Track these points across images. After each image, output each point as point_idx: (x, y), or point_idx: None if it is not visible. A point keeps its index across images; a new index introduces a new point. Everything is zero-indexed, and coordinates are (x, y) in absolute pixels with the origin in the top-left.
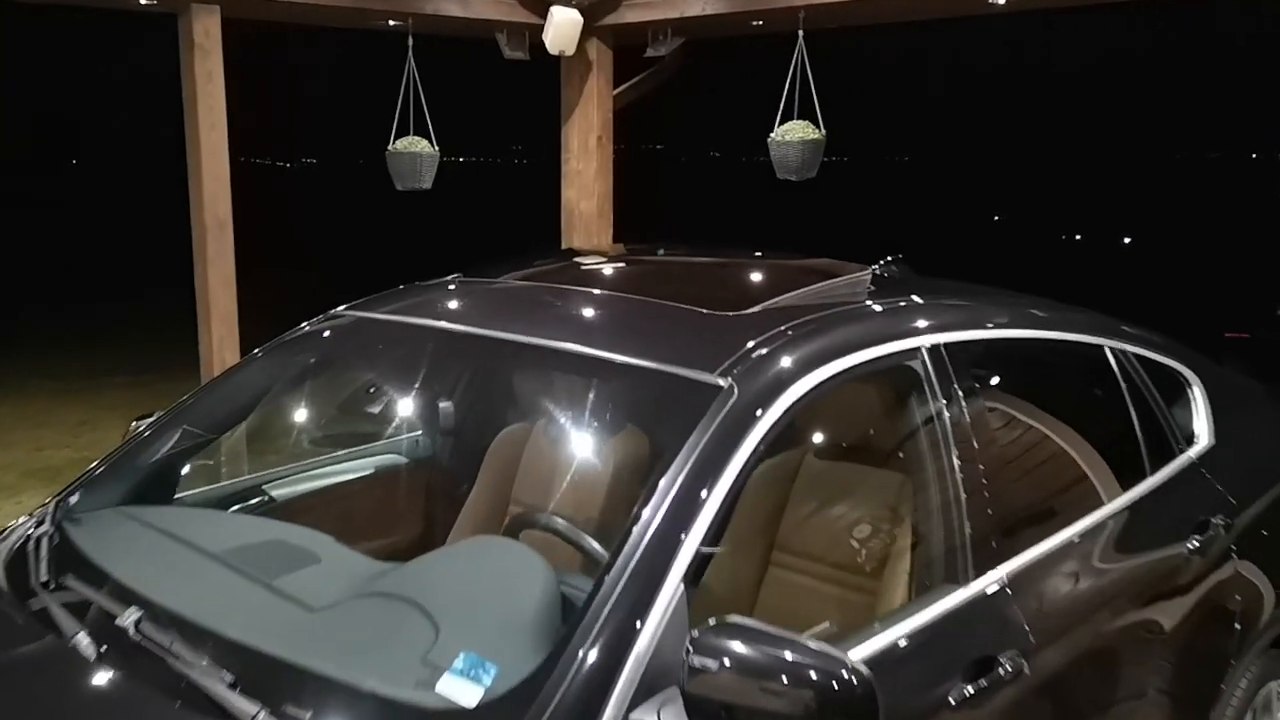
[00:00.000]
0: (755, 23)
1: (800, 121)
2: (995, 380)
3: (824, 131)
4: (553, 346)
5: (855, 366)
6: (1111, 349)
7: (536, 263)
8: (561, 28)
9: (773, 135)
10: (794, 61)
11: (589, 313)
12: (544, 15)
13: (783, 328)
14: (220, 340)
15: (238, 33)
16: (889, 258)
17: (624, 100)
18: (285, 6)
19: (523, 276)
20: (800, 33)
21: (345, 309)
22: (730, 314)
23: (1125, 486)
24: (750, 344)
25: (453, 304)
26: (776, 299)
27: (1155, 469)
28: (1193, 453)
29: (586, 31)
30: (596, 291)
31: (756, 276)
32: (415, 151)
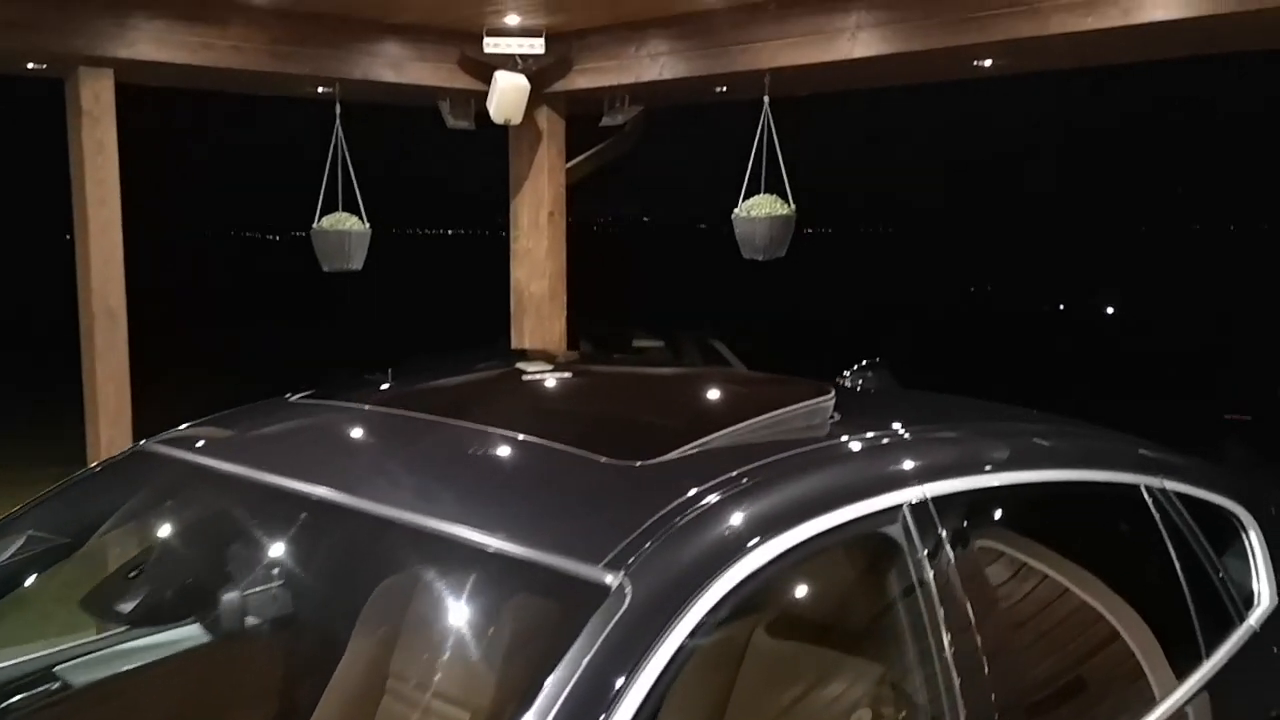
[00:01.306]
0: (719, 89)
1: (768, 195)
2: (1000, 540)
3: (794, 206)
4: (379, 514)
5: (811, 541)
6: (1149, 488)
7: (407, 374)
8: (506, 95)
9: (737, 211)
10: (760, 129)
11: (440, 459)
12: (488, 81)
13: (709, 485)
14: (110, 445)
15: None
16: (865, 362)
17: (580, 173)
18: (191, 71)
19: (378, 398)
20: (766, 99)
21: (150, 442)
22: (639, 463)
23: (1179, 672)
24: (659, 515)
25: (269, 441)
26: (707, 438)
27: (1212, 647)
28: (1254, 620)
29: (535, 99)
30: (462, 425)
31: (686, 402)
32: (343, 229)
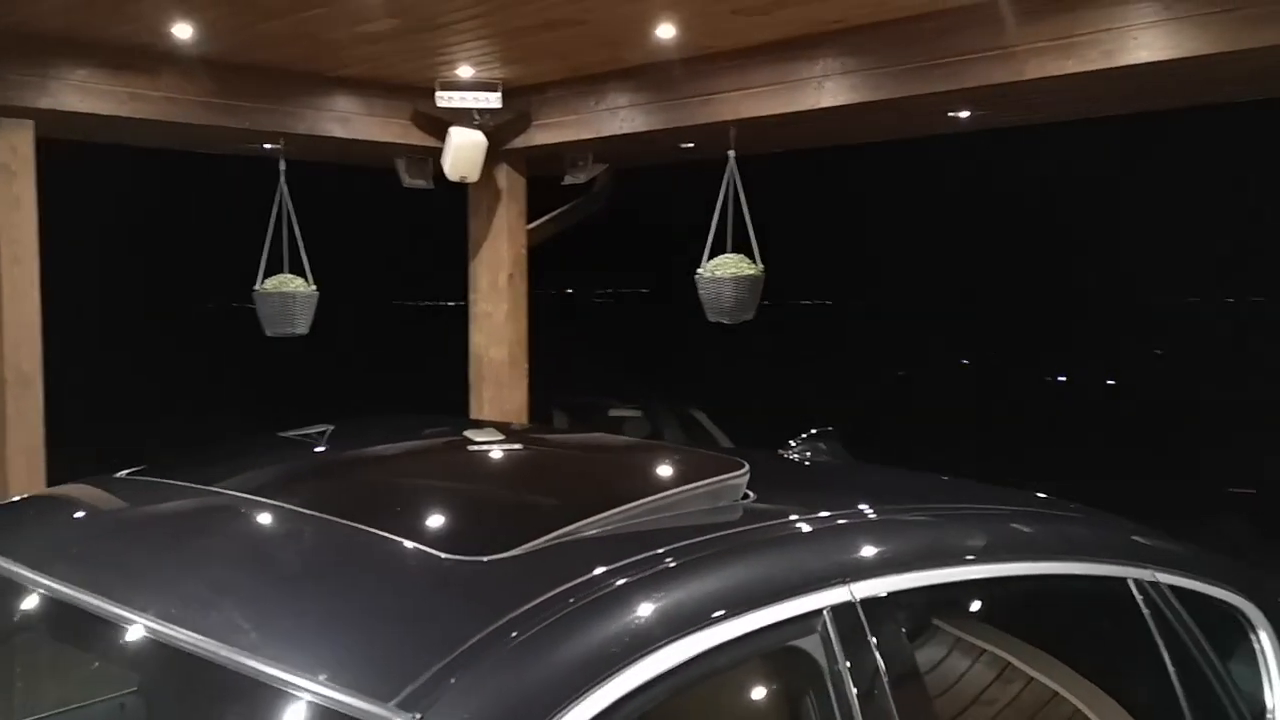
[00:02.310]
0: (684, 144)
1: (733, 255)
2: (952, 653)
3: (762, 266)
4: (121, 621)
5: (690, 665)
6: (1138, 582)
7: (269, 442)
8: (462, 151)
9: (701, 270)
10: (725, 184)
11: (232, 553)
12: (444, 137)
13: (563, 590)
14: None
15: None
16: (814, 431)
17: (543, 235)
18: (119, 124)
19: (202, 473)
20: (731, 153)
21: None
22: (485, 559)
23: None
24: (486, 632)
25: (45, 528)
26: (578, 524)
27: None
28: None
29: (494, 156)
30: (281, 506)
31: (568, 478)
32: (287, 291)
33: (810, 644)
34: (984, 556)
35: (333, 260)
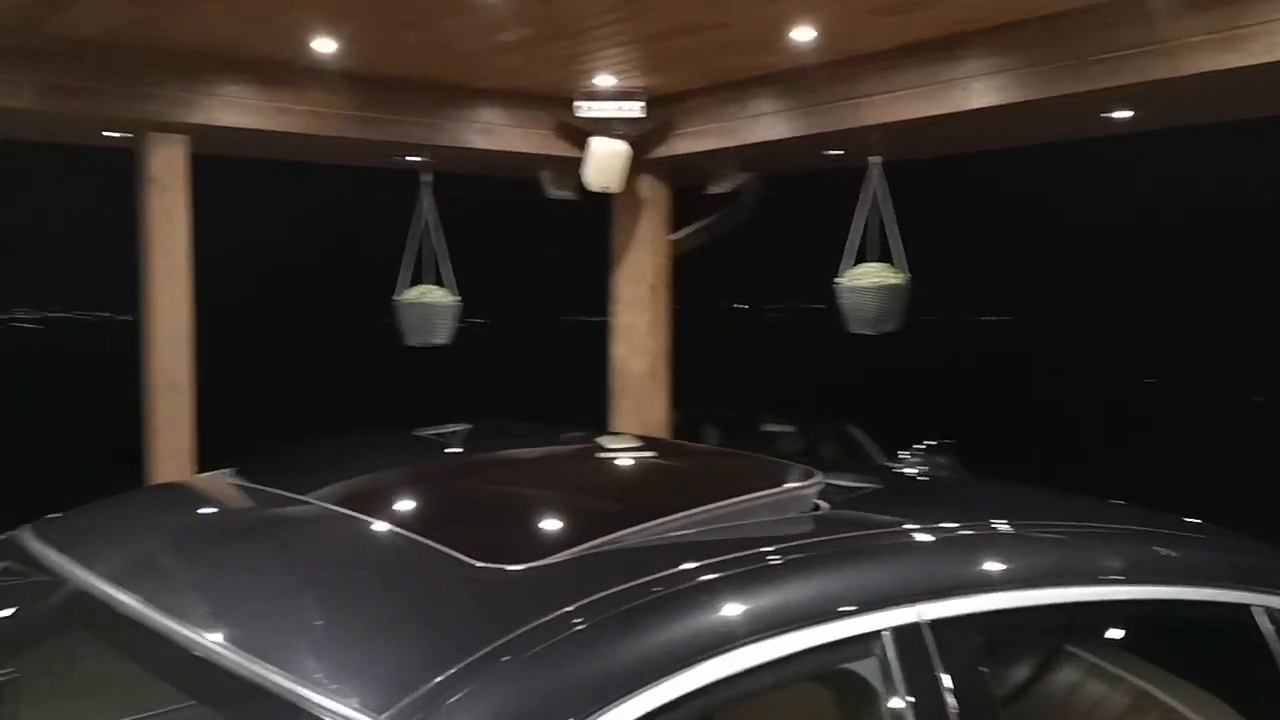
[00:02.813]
0: (829, 151)
1: (877, 264)
2: (1035, 685)
3: (908, 275)
4: (152, 625)
5: (721, 686)
6: (1267, 609)
7: (359, 444)
8: (603, 161)
9: (841, 280)
10: (867, 190)
11: (268, 553)
12: (584, 148)
13: (592, 600)
14: None
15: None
16: (929, 442)
17: (688, 245)
18: (267, 137)
19: (271, 474)
20: (873, 158)
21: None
22: (516, 567)
23: None
24: (500, 642)
25: (118, 530)
26: (621, 533)
27: None
28: None
29: (637, 166)
30: (330, 509)
31: (623, 485)
32: (428, 302)
33: (865, 668)
34: (1082, 578)
35: (476, 272)
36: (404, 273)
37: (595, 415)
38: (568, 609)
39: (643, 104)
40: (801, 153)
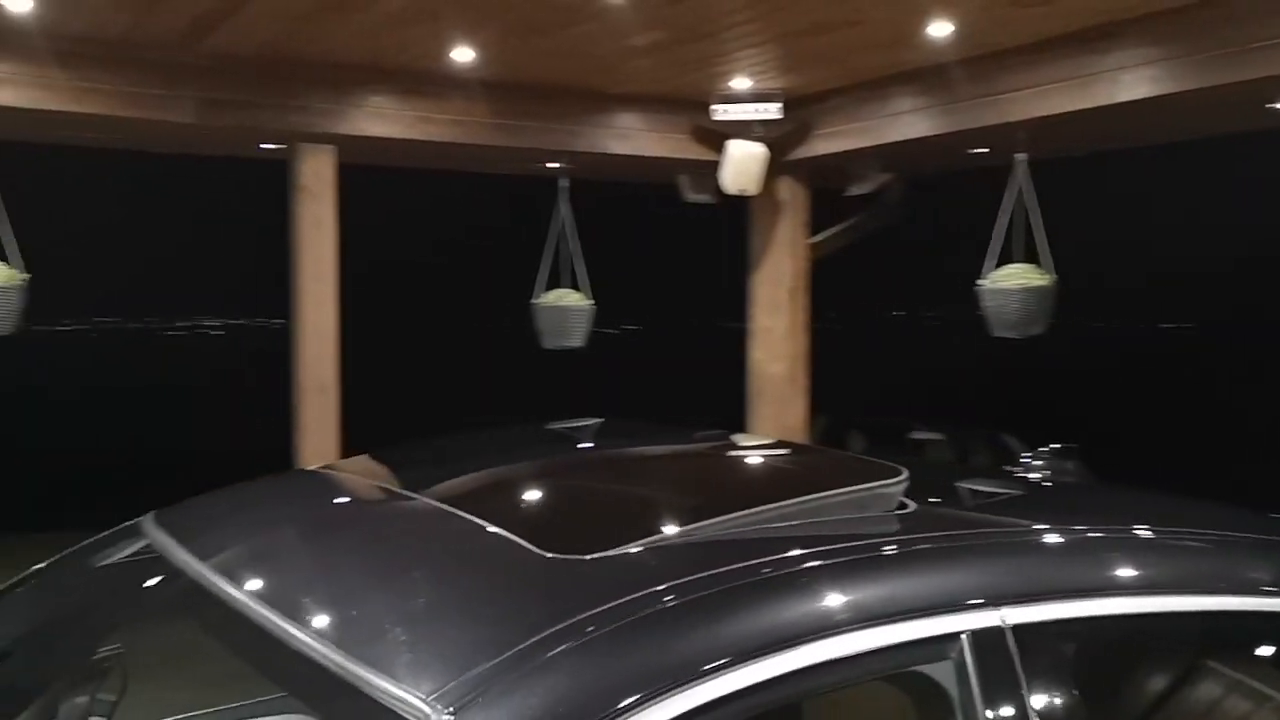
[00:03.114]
0: (974, 149)
1: (1022, 265)
2: (1131, 695)
3: (1054, 276)
4: (242, 608)
5: (780, 683)
6: None
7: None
8: (739, 164)
9: (983, 281)
10: (1012, 189)
11: (354, 540)
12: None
13: (654, 590)
14: None
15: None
16: (1052, 446)
17: (830, 248)
18: (410, 146)
19: (377, 468)
20: (1019, 155)
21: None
22: (586, 557)
23: None
24: (556, 629)
25: (227, 520)
26: (694, 525)
27: None
28: None
29: (777, 168)
30: (417, 500)
31: (702, 481)
32: (564, 305)
33: (939, 672)
34: (1182, 586)
35: (612, 275)
36: (541, 276)
37: (734, 420)
38: (626, 599)
39: (779, 105)
40: (944, 152)
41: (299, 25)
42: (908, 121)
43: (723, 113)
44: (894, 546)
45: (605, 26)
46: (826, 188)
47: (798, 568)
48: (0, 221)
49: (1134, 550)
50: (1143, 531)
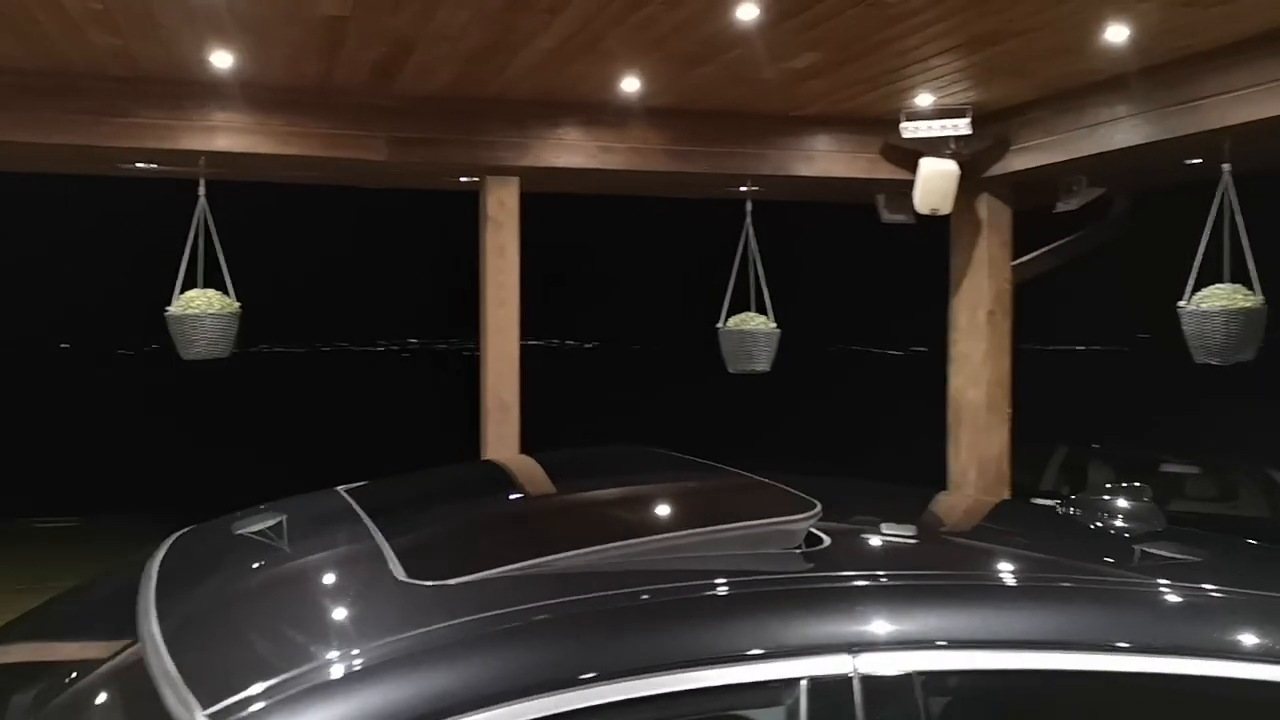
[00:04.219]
0: (1185, 160)
1: (1228, 285)
2: None
3: (1262, 298)
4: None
5: None
6: None
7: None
8: (929, 182)
9: (1183, 304)
10: (1218, 204)
11: (244, 564)
12: (916, 169)
13: (461, 622)
14: None
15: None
16: (1117, 484)
17: (1035, 270)
18: (589, 175)
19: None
20: (1226, 166)
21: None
22: (432, 583)
23: None
24: (337, 655)
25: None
26: (547, 558)
27: None
28: None
29: (975, 186)
30: (350, 517)
31: (614, 511)
32: (748, 329)
33: (768, 718)
34: (1095, 643)
35: (802, 298)
36: (727, 300)
37: (936, 450)
38: (442, 625)
39: (968, 120)
40: (1153, 163)
41: (470, 67)
42: (1105, 133)
43: (912, 130)
44: (749, 585)
45: (757, 52)
46: (1034, 205)
47: (623, 604)
48: (218, 254)
49: (1037, 598)
50: (1090, 579)
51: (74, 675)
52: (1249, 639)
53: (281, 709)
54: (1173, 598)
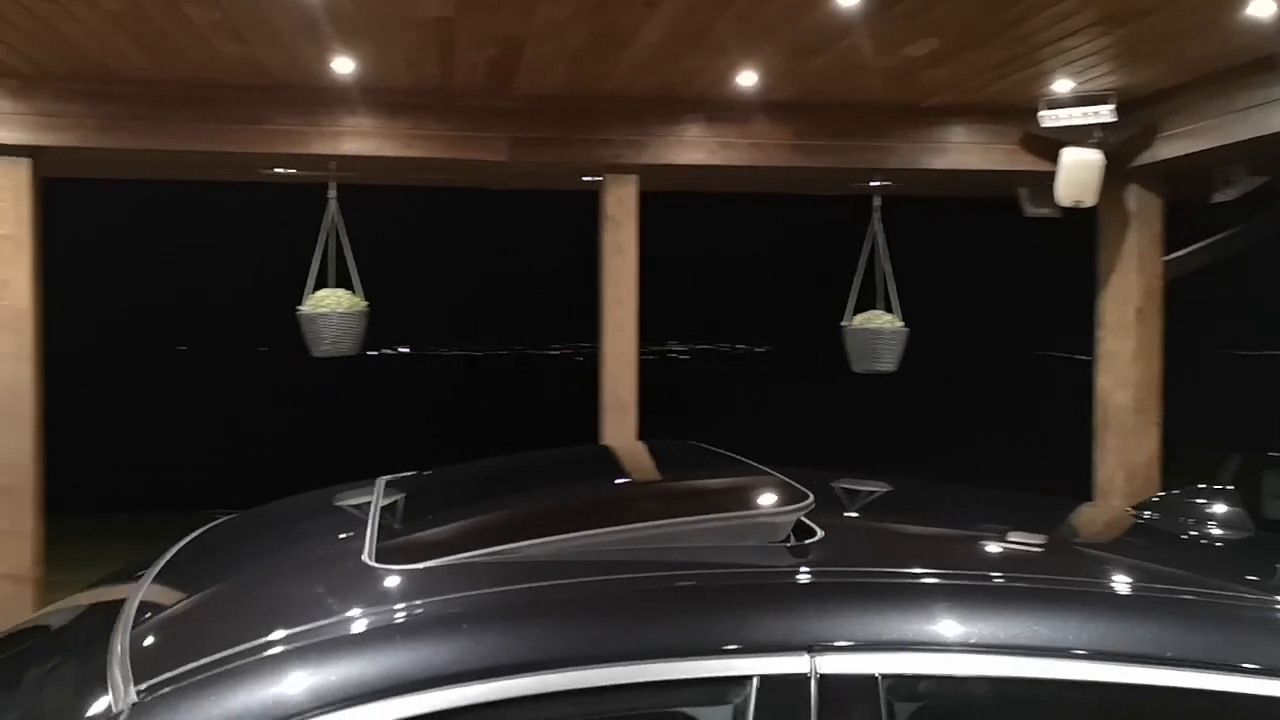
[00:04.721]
0: None
1: None
2: None
3: None
4: None
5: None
6: None
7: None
8: (1071, 173)
9: None
10: None
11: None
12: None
13: (402, 605)
14: None
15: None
16: (1203, 486)
17: (1188, 266)
18: (710, 172)
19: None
20: None
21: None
22: (393, 567)
23: None
24: (281, 634)
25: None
26: (508, 545)
27: None
28: None
29: (1122, 176)
30: (345, 511)
31: (601, 499)
32: (872, 328)
33: (714, 716)
34: (1073, 651)
35: (933, 295)
36: (851, 298)
37: (1083, 457)
38: (381, 608)
39: (1111, 107)
40: None
41: (581, 64)
42: (1259, 116)
43: (1051, 118)
44: (707, 579)
45: (870, 40)
46: (1189, 197)
47: (571, 594)
48: (346, 255)
49: (1048, 602)
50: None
51: (62, 655)
52: (1261, 652)
53: (208, 686)
54: (1210, 605)
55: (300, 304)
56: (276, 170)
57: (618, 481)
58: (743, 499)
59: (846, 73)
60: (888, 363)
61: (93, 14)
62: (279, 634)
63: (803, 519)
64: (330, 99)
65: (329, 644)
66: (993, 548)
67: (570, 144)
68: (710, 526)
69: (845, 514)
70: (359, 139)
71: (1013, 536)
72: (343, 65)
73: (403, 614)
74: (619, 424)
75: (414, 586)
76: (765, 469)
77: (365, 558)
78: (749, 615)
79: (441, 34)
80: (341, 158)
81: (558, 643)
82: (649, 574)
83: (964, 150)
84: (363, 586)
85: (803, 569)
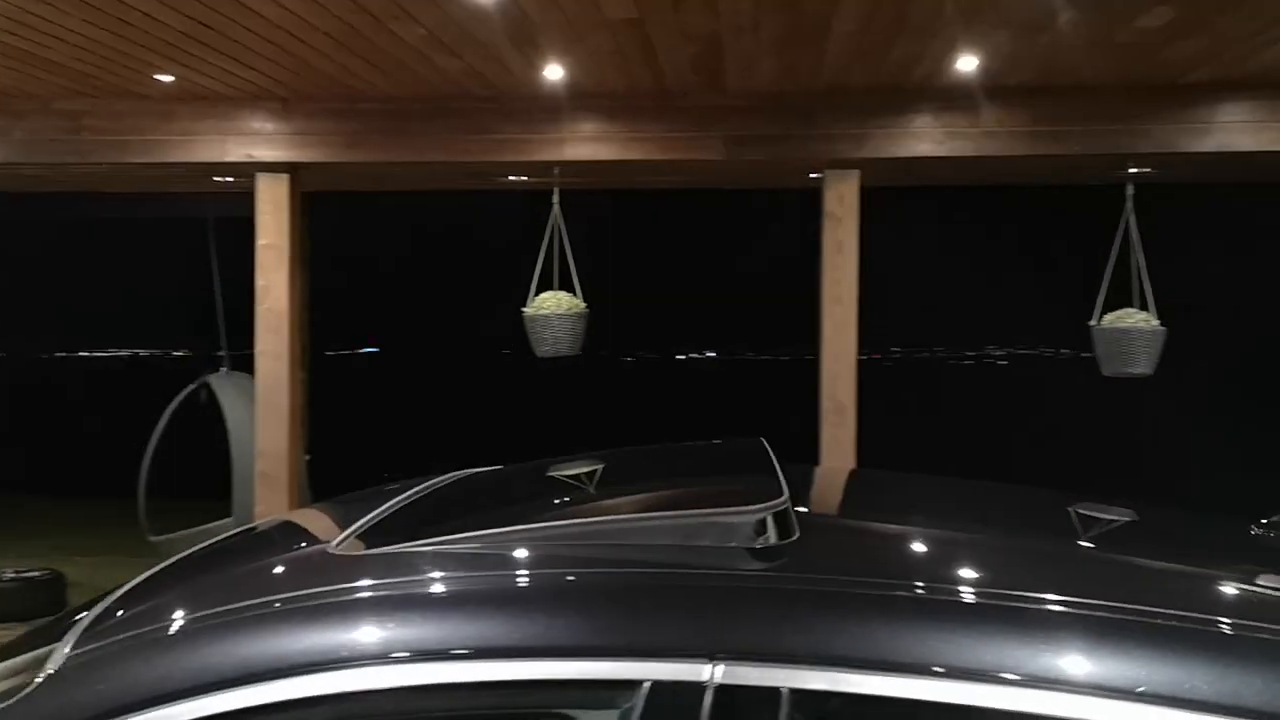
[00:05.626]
0: None
1: None
2: None
3: None
4: None
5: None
6: None
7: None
8: None
9: None
10: None
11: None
12: None
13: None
14: None
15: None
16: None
17: None
18: (940, 164)
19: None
20: None
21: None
22: (351, 553)
23: None
24: (201, 613)
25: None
26: (460, 535)
27: None
28: None
29: None
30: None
31: (580, 493)
32: (1125, 327)
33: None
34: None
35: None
36: (1101, 296)
37: None
38: (314, 590)
39: None
40: None
41: (784, 57)
42: None
43: None
44: (622, 578)
45: (1091, 13)
46: None
47: (494, 584)
48: (568, 259)
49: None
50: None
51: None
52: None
53: (130, 653)
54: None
55: (524, 306)
56: (510, 179)
57: (619, 480)
58: (705, 499)
59: (1079, 50)
60: (1142, 365)
61: (317, 38)
62: (209, 610)
63: (795, 523)
64: (552, 105)
65: (243, 621)
66: (973, 559)
67: (788, 140)
68: (657, 525)
69: (851, 520)
70: (579, 144)
71: (993, 543)
72: (553, 72)
73: (327, 598)
74: (838, 428)
75: (352, 572)
76: (782, 471)
77: (331, 544)
78: (650, 618)
79: (637, 35)
80: (564, 163)
81: (449, 635)
82: (574, 570)
83: (1232, 129)
84: (310, 571)
85: (736, 574)
